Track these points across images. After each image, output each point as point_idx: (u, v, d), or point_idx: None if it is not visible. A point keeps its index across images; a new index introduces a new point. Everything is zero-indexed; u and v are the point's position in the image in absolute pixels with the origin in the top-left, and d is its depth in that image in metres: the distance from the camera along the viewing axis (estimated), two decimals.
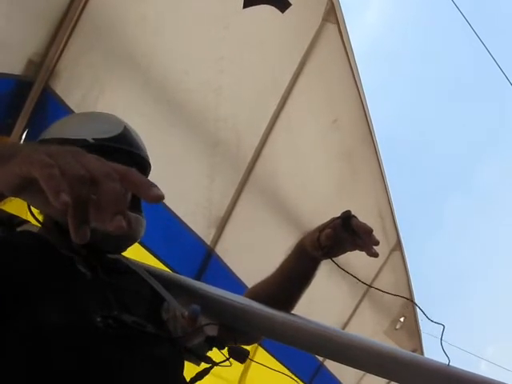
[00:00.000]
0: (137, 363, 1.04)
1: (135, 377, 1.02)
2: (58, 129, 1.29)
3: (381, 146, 3.28)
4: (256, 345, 3.16)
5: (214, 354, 1.37)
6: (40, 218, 1.22)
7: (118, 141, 1.25)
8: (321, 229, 1.37)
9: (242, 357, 1.33)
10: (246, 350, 1.38)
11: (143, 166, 1.34)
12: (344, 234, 1.33)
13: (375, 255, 1.31)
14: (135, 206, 1.26)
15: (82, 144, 1.17)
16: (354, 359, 1.36)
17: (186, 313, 1.21)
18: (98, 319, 0.99)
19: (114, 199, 0.62)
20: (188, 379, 1.26)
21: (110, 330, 0.99)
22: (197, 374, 1.30)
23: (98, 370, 0.96)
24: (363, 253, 3.64)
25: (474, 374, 1.26)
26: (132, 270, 1.28)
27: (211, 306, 1.36)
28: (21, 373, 0.90)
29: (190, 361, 1.36)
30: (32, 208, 1.22)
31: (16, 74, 1.79)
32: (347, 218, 1.33)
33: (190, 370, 1.31)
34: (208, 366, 1.29)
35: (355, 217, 1.34)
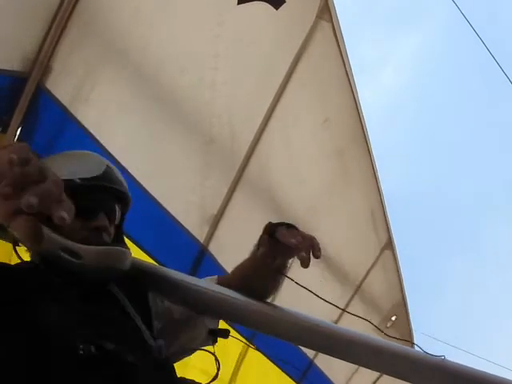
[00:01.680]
0: None
1: None
2: (49, 164, 1.33)
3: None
4: (248, 343, 3.16)
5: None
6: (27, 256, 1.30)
7: (101, 179, 1.34)
8: (257, 248, 1.43)
9: (224, 334, 1.40)
10: (225, 329, 1.44)
11: (125, 200, 1.43)
12: (279, 245, 1.36)
13: (304, 262, 1.30)
14: (119, 239, 1.39)
15: (70, 184, 1.24)
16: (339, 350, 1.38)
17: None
18: (81, 346, 1.01)
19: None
20: None
21: (92, 357, 1.01)
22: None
23: None
24: (354, 252, 3.62)
25: (470, 367, 1.27)
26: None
27: (195, 297, 1.36)
28: None
29: None
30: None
31: (11, 69, 1.77)
32: (271, 232, 1.35)
33: None
34: None
35: (282, 225, 1.39)
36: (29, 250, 1.29)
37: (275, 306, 1.40)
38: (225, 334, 1.40)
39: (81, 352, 1.00)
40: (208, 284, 1.42)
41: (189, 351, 1.49)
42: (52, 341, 1.00)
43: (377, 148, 3.32)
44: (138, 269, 1.37)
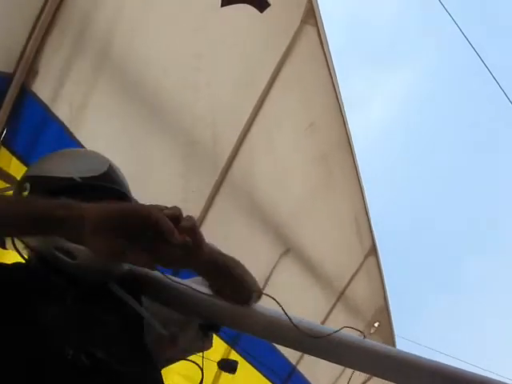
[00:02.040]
0: None
1: None
2: (45, 166, 1.35)
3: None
4: (230, 348, 3.14)
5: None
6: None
7: (102, 179, 1.32)
8: None
9: (215, 328, 1.35)
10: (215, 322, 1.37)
11: (125, 200, 1.38)
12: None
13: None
14: None
15: (70, 182, 1.26)
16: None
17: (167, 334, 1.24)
18: (70, 352, 1.01)
19: None
20: None
21: (81, 365, 1.01)
22: None
23: None
24: (338, 257, 3.60)
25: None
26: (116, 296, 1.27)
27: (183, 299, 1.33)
28: None
29: None
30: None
31: None
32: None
33: None
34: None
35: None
36: (26, 249, 1.26)
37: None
38: (215, 327, 1.35)
39: (69, 357, 1.00)
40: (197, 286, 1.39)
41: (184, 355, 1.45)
42: (47, 341, 1.01)
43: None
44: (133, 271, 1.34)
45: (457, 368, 1.28)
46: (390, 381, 1.34)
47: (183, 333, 1.37)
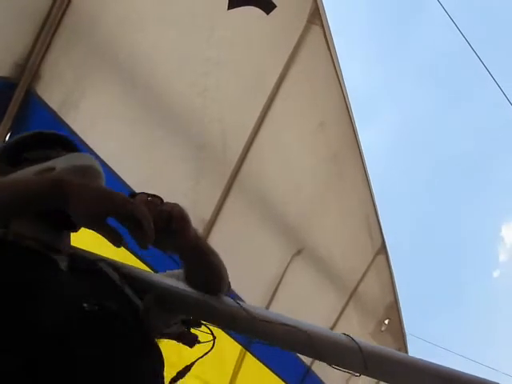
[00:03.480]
0: (124, 348, 1.04)
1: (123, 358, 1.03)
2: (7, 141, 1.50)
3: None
4: (244, 351, 3.14)
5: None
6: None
7: (52, 131, 1.42)
8: None
9: (196, 324, 1.35)
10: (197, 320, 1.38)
11: (75, 147, 1.45)
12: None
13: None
14: None
15: (25, 136, 1.35)
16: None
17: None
18: (85, 305, 1.02)
19: None
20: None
21: (96, 315, 1.02)
22: (178, 372, 1.30)
23: (86, 357, 0.96)
24: (349, 256, 3.58)
25: None
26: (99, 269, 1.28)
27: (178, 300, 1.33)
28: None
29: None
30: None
31: (1, 75, 1.76)
32: None
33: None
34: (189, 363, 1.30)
35: None
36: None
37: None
38: (196, 324, 1.36)
39: (85, 307, 1.01)
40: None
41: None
42: (63, 298, 1.02)
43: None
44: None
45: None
46: None
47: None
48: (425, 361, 1.34)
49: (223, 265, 1.37)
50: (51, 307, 0.99)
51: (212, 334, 1.34)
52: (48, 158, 1.28)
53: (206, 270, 1.32)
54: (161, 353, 1.22)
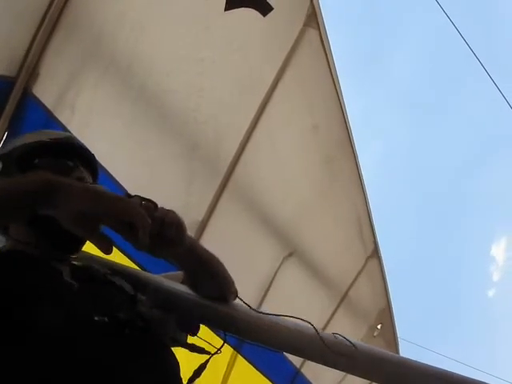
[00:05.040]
0: (135, 357, 1.05)
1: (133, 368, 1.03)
2: (12, 143, 1.39)
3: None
4: (235, 353, 3.14)
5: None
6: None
7: (68, 139, 1.43)
8: None
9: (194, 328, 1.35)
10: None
11: (90, 159, 1.46)
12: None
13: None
14: None
15: (40, 143, 1.32)
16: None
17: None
18: (96, 318, 1.02)
19: None
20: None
21: (108, 327, 1.02)
22: (194, 371, 1.29)
23: (95, 369, 0.96)
24: (341, 260, 3.57)
25: None
26: (107, 279, 1.28)
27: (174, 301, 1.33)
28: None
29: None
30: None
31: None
32: None
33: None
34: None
35: None
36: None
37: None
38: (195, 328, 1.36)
39: (96, 320, 1.01)
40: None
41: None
42: (75, 312, 1.02)
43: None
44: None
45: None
46: None
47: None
48: (417, 361, 1.34)
49: (228, 273, 1.36)
50: (54, 318, 0.97)
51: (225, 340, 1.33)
52: (59, 168, 1.26)
53: (208, 279, 1.31)
54: (174, 355, 1.22)
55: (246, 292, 3.05)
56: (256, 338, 1.37)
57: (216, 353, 1.28)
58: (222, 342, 1.31)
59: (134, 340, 1.07)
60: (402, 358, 1.39)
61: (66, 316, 0.99)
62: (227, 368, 3.13)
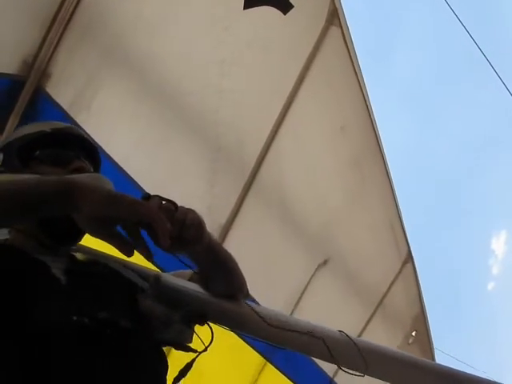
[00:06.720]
0: (112, 362, 1.01)
1: (109, 374, 0.99)
2: (13, 134, 1.40)
3: None
4: (264, 361, 3.07)
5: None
6: None
7: (69, 129, 1.42)
8: None
9: (201, 320, 1.29)
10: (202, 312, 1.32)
11: (92, 149, 1.44)
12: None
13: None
14: None
15: (41, 134, 1.32)
16: None
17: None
18: (74, 318, 1.00)
19: None
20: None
21: (86, 328, 1.00)
22: (180, 371, 1.24)
23: (72, 368, 0.94)
24: (376, 268, 3.46)
25: None
26: (105, 266, 1.25)
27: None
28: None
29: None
30: None
31: (9, 73, 1.76)
32: None
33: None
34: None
35: None
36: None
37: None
38: (200, 319, 1.31)
39: (74, 321, 0.99)
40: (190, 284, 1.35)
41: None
42: (50, 311, 0.99)
43: None
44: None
45: None
46: None
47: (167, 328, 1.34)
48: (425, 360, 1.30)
49: (240, 271, 1.32)
50: (29, 316, 0.95)
51: (211, 329, 1.28)
52: (59, 159, 1.28)
53: (222, 277, 1.29)
54: (164, 356, 1.20)
55: (277, 299, 3.02)
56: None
57: (204, 351, 1.24)
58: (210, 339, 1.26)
59: (113, 341, 1.04)
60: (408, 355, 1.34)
61: (40, 314, 0.97)
62: (255, 375, 3.08)
